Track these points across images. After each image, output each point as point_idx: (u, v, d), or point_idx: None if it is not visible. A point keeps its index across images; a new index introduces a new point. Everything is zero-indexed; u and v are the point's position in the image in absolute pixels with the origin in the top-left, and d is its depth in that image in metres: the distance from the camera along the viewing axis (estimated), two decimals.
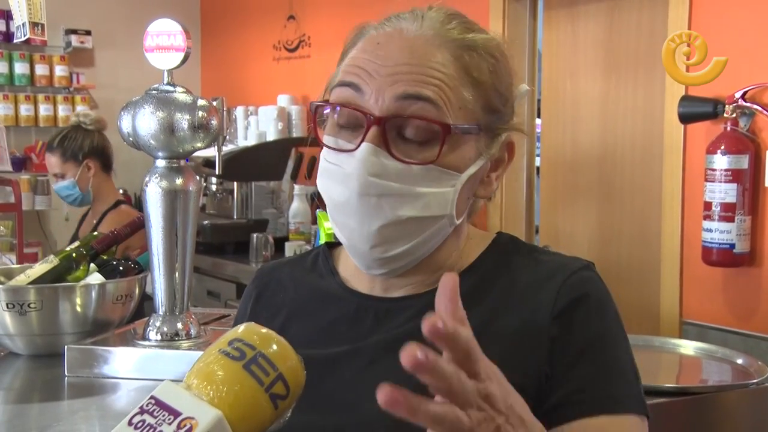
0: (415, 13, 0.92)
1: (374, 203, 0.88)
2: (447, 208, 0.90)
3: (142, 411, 0.75)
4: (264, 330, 0.81)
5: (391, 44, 0.89)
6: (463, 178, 0.90)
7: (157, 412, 0.74)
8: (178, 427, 0.73)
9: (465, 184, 0.91)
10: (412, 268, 0.94)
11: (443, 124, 0.86)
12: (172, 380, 0.78)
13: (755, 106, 2.47)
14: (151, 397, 0.76)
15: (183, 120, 1.52)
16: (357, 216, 0.89)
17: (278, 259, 1.16)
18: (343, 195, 0.90)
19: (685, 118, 2.60)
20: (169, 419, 0.73)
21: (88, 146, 3.12)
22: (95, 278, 1.78)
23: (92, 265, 1.83)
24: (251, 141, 4.38)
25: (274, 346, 0.79)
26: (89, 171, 3.13)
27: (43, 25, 2.67)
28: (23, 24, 2.65)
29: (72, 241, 2.97)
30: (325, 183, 0.93)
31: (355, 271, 0.99)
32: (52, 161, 3.15)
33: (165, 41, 1.60)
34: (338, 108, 0.90)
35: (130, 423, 0.75)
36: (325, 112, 0.93)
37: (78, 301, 1.70)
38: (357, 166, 0.87)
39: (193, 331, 1.63)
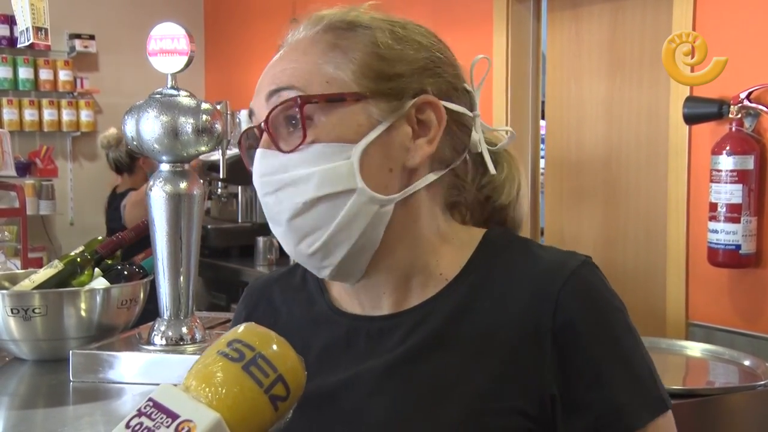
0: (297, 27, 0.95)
1: (274, 200, 0.90)
2: (349, 181, 0.87)
3: (140, 414, 0.74)
4: (263, 330, 0.80)
5: (274, 60, 0.94)
6: (358, 148, 0.88)
7: (155, 414, 0.73)
8: (177, 430, 0.72)
9: (371, 152, 0.88)
10: (379, 269, 0.92)
11: (295, 98, 0.88)
12: (172, 383, 0.77)
13: (760, 107, 2.46)
14: (149, 400, 0.75)
15: (187, 124, 1.52)
16: (273, 219, 0.91)
17: (267, 275, 1.14)
18: (263, 206, 0.93)
19: (690, 119, 2.60)
20: (167, 422, 0.72)
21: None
22: (100, 283, 1.78)
23: (97, 269, 1.83)
24: None
25: (274, 347, 0.78)
26: None
27: (46, 30, 2.67)
28: (27, 29, 2.65)
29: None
30: None
31: (341, 287, 0.98)
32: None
33: (168, 45, 1.60)
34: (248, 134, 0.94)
35: (127, 426, 0.73)
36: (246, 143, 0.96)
37: (83, 305, 1.70)
38: (254, 174, 0.91)
39: (198, 336, 1.62)
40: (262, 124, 0.90)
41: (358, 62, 0.90)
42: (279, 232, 0.92)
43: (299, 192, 0.88)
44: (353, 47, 0.90)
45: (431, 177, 0.93)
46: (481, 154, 0.99)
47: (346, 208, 0.88)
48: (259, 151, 0.90)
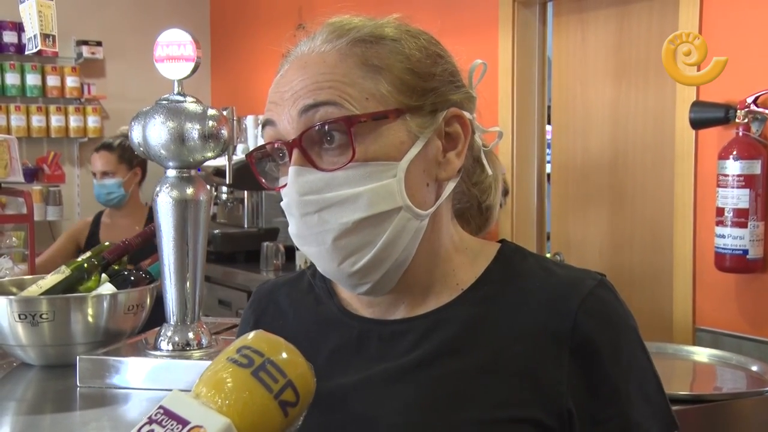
0: (310, 35, 0.93)
1: (317, 220, 0.87)
2: (396, 200, 0.87)
3: (150, 421, 0.74)
4: (272, 337, 0.80)
5: (291, 70, 0.90)
6: (403, 165, 0.87)
7: (166, 421, 0.74)
8: None
9: (411, 169, 0.88)
10: (404, 281, 0.92)
11: (344, 118, 0.85)
12: (181, 390, 0.78)
13: (767, 111, 2.46)
14: (160, 407, 0.75)
15: (193, 130, 1.52)
16: (311, 239, 0.89)
17: (273, 279, 1.14)
18: (293, 225, 0.90)
19: (697, 124, 2.59)
20: (177, 428, 0.73)
21: (141, 156, 3.32)
22: (107, 288, 1.78)
23: (104, 275, 1.84)
24: None
25: (283, 353, 0.78)
26: (135, 177, 3.49)
27: (54, 37, 2.68)
28: (34, 36, 2.66)
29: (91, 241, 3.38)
30: (288, 221, 0.92)
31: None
32: (106, 159, 3.43)
33: (175, 51, 1.60)
34: (265, 147, 0.91)
35: None
36: (261, 157, 0.94)
37: (90, 311, 1.71)
38: (290, 193, 0.88)
39: (204, 341, 1.62)
40: (296, 139, 0.87)
41: (392, 77, 0.89)
42: (319, 251, 0.89)
43: (347, 211, 0.86)
44: (386, 62, 0.89)
45: (452, 185, 0.94)
46: (473, 156, 0.99)
47: (392, 226, 0.87)
48: (294, 169, 0.87)
